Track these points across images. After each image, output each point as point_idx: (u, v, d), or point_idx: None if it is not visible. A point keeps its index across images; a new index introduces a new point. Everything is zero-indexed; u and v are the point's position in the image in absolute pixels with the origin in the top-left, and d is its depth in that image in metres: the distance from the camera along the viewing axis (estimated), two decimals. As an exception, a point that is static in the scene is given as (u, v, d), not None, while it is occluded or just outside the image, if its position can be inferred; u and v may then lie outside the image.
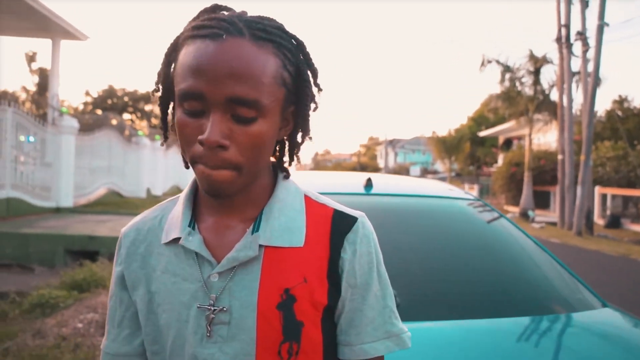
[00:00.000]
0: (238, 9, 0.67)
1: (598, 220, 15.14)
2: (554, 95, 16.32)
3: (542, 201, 18.42)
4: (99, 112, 26.71)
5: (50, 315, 4.03)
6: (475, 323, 1.39)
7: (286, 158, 0.74)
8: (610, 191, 15.42)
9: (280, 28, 0.65)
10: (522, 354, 1.29)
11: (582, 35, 13.48)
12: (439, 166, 36.69)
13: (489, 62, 17.22)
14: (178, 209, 0.72)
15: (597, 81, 12.76)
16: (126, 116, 30.83)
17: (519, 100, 17.26)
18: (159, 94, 0.70)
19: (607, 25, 12.39)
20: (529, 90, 17.22)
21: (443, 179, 26.00)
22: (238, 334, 0.65)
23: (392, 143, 47.13)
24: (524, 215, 16.35)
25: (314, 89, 0.69)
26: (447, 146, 28.67)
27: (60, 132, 10.61)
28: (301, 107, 0.68)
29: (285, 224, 0.68)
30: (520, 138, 23.23)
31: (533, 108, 17.02)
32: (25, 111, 10.62)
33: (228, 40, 0.59)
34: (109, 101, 31.31)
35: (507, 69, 17.21)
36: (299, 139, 0.71)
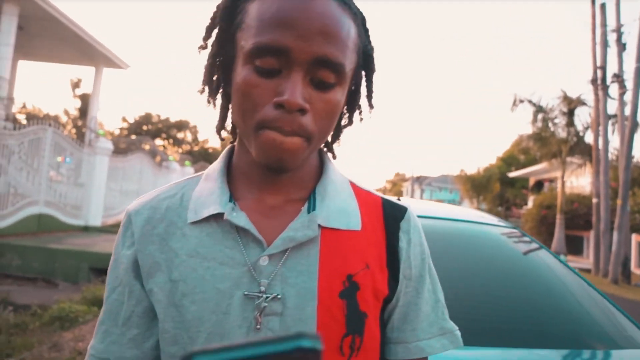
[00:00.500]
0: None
1: (635, 270, 14.37)
2: (588, 138, 15.94)
3: (574, 246, 17.69)
4: (134, 137, 27.69)
5: (69, 329, 4.01)
6: (512, 352, 1.27)
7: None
8: (649, 239, 14.69)
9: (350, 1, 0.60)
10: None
11: (619, 77, 13.25)
12: (467, 205, 36.02)
13: (521, 101, 17.06)
14: (209, 185, 0.63)
15: (634, 124, 12.42)
16: (159, 142, 31.78)
17: (552, 141, 16.92)
18: (208, 50, 0.62)
19: (645, 68, 12.15)
20: (562, 132, 16.89)
21: (470, 219, 25.38)
22: (293, 327, 0.56)
23: (418, 180, 46.77)
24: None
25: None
26: (476, 185, 28.21)
27: (95, 153, 10.96)
28: (368, 76, 0.64)
29: (340, 205, 0.63)
30: (551, 180, 22.65)
31: (566, 150, 16.63)
32: (65, 133, 11.07)
33: None
34: (144, 127, 32.43)
35: (539, 109, 16.99)
36: (364, 111, 0.66)
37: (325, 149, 0.69)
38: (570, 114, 16.58)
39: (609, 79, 13.62)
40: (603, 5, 13.75)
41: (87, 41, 12.78)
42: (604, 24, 13.65)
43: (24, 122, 9.95)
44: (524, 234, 1.95)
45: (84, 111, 24.74)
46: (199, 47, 0.62)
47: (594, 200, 13.94)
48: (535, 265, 1.78)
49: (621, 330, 1.52)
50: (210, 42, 0.62)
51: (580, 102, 16.33)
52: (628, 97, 12.61)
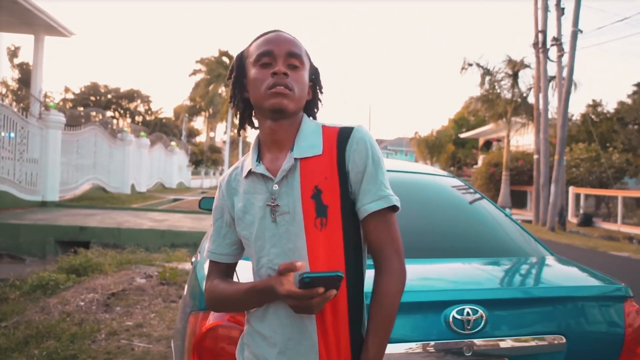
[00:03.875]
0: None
1: (572, 219, 15.76)
2: (532, 99, 16.91)
3: (519, 201, 19.04)
4: (81, 109, 26.51)
5: (51, 296, 4.21)
6: (452, 261, 1.71)
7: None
8: (583, 191, 16.08)
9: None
10: (490, 280, 1.61)
11: (557, 41, 14.09)
12: (421, 167, 37.24)
13: (470, 65, 17.75)
14: (249, 155, 1.11)
15: (570, 85, 13.36)
16: (109, 114, 30.57)
17: (498, 102, 17.83)
18: (232, 79, 1.14)
19: (581, 32, 13.00)
20: (507, 93, 17.81)
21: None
22: (294, 217, 1.01)
23: (375, 144, 47.64)
24: (502, 213, 16.87)
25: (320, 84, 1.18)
26: (430, 146, 29.29)
27: (47, 127, 10.63)
28: (316, 86, 1.15)
29: (309, 143, 1.06)
30: (499, 140, 23.92)
31: (511, 110, 17.62)
32: (8, 105, 10.57)
33: (283, 32, 1.09)
34: (92, 98, 30.99)
35: (487, 72, 17.77)
36: (317, 101, 1.17)
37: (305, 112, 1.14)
38: (514, 76, 17.47)
39: (549, 43, 14.46)
40: (544, -29, 14.39)
41: (26, 7, 12.03)
42: (544, -11, 14.32)
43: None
44: (463, 182, 2.39)
45: (24, 82, 23.36)
46: (226, 78, 1.18)
47: (535, 157, 15.03)
48: (469, 205, 2.22)
49: (534, 248, 1.98)
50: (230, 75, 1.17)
51: (524, 65, 17.22)
52: (566, 59, 13.49)
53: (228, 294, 1.06)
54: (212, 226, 1.16)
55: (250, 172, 1.07)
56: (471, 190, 2.37)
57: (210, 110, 30.80)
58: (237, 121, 1.18)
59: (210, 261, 1.15)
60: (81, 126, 13.08)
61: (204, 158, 35.81)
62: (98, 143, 14.06)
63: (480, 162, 24.03)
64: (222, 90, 28.25)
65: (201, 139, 42.50)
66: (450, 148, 30.39)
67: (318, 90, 1.15)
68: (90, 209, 10.46)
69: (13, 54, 26.45)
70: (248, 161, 1.10)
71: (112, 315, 3.70)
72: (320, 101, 1.16)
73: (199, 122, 40.20)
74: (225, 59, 28.50)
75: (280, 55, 1.03)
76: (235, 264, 1.16)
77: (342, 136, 1.05)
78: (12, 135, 10.13)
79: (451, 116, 38.00)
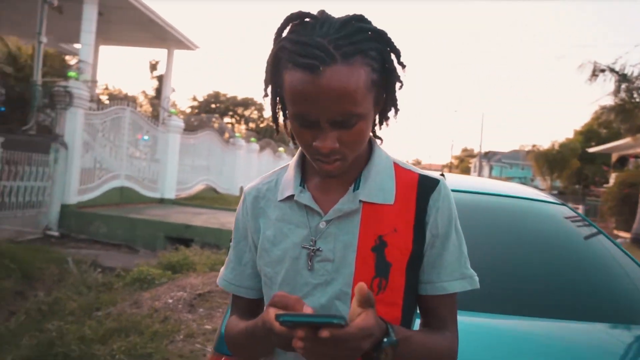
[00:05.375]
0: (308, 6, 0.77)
1: None
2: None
3: (661, 228, 16.26)
4: (204, 115, 29.06)
5: (147, 290, 4.50)
6: (551, 324, 1.33)
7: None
8: None
9: (362, 30, 0.74)
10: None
11: None
12: (540, 183, 34.10)
13: (602, 70, 15.69)
14: (290, 173, 0.88)
15: None
16: (226, 120, 33.06)
17: (637, 113, 15.48)
18: (269, 98, 0.82)
19: None
20: (649, 103, 15.39)
21: (542, 197, 24.03)
22: (340, 269, 0.81)
23: (487, 156, 44.80)
24: (637, 241, 14.56)
25: (399, 69, 0.80)
26: (550, 161, 26.57)
27: (168, 131, 11.72)
28: (390, 90, 0.81)
29: (379, 184, 0.84)
30: (637, 156, 20.80)
31: (655, 123, 15.17)
32: (142, 112, 11.93)
33: (325, 72, 0.70)
34: (213, 105, 33.83)
35: (623, 78, 15.54)
36: (390, 114, 0.85)
37: (374, 137, 0.89)
38: (660, 83, 15.02)
39: None
40: None
41: (160, 25, 13.51)
42: None
43: (107, 102, 10.88)
44: (573, 210, 1.93)
45: (160, 91, 26.35)
46: (263, 96, 0.83)
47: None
48: (580, 242, 1.78)
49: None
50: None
51: (673, 69, 14.73)
52: None
53: (234, 334, 0.87)
54: (232, 249, 0.94)
55: (289, 197, 0.86)
56: (586, 223, 1.91)
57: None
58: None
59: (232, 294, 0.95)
60: (198, 131, 14.23)
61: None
62: (212, 146, 15.16)
63: (612, 181, 21.11)
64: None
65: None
66: (575, 164, 27.24)
67: (392, 97, 0.82)
68: (199, 208, 11.25)
69: (153, 67, 29.99)
70: (287, 180, 0.88)
71: (194, 317, 3.81)
72: (398, 110, 0.83)
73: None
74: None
75: (323, 121, 0.74)
76: (261, 301, 0.92)
77: (424, 187, 0.86)
78: (147, 137, 11.43)
79: (577, 127, 34.14)
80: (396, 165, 0.88)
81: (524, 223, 1.80)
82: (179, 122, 12.10)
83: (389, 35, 0.78)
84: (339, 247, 0.81)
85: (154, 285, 4.65)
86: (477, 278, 0.86)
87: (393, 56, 0.78)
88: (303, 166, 0.89)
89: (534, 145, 29.23)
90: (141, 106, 26.85)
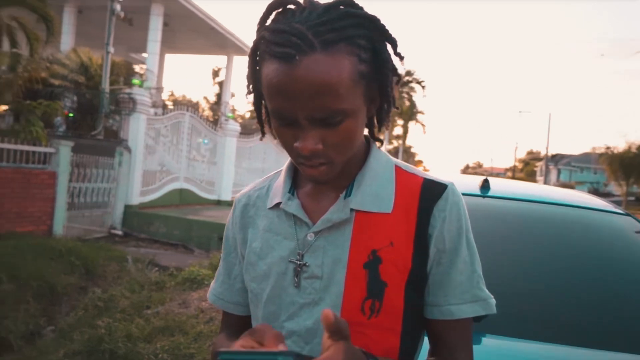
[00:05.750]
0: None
1: None
2: None
3: None
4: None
5: (196, 290, 4.60)
6: (614, 355, 1.16)
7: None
8: None
9: (348, 15, 0.64)
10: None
11: None
12: (614, 188, 31.52)
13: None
14: (281, 179, 0.80)
15: None
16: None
17: None
18: (251, 95, 0.75)
19: None
20: None
21: (617, 204, 22.25)
22: (329, 287, 0.71)
23: (554, 159, 42.15)
24: None
25: (395, 60, 0.69)
26: (626, 165, 24.46)
27: (225, 135, 12.09)
28: (384, 84, 0.69)
29: (375, 191, 0.73)
30: None
31: None
32: (202, 117, 12.43)
33: (302, 61, 0.61)
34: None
35: None
36: (384, 111, 0.73)
37: (372, 138, 0.78)
38: None
39: None
40: None
41: (220, 32, 14.02)
42: None
43: (172, 108, 11.47)
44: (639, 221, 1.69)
45: (220, 97, 27.42)
46: (246, 94, 0.75)
47: None
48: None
49: None
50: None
51: None
52: None
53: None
54: (222, 261, 0.87)
55: (277, 205, 0.77)
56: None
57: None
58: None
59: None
60: (254, 134, 14.55)
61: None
62: (268, 150, 15.44)
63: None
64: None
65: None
66: (656, 168, 24.89)
67: (387, 92, 0.70)
68: (253, 210, 11.47)
69: (215, 73, 31.31)
70: (278, 186, 0.79)
71: (238, 319, 3.84)
72: (392, 105, 0.72)
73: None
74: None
75: (302, 117, 0.64)
76: (249, 318, 0.83)
77: (428, 192, 0.73)
78: (206, 141, 11.88)
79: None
80: (398, 169, 0.76)
81: (582, 236, 1.60)
82: (236, 126, 12.43)
83: (382, 22, 0.67)
84: (327, 263, 0.71)
85: (203, 286, 4.74)
86: (493, 301, 0.73)
87: (389, 46, 0.68)
88: (295, 171, 0.79)
89: (607, 147, 27.05)
90: (203, 111, 28.07)
